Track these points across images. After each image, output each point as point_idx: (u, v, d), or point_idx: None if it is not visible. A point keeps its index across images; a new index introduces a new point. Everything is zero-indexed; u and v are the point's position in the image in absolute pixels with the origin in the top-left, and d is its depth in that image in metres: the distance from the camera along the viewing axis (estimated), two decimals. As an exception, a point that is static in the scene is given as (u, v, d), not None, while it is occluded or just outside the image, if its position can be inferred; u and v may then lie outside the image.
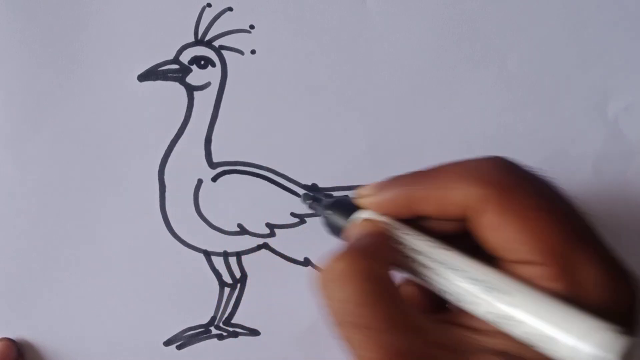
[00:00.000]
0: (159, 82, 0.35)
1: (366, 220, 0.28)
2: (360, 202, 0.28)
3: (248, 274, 0.37)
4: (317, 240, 0.36)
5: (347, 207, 0.29)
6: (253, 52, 0.35)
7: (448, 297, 0.25)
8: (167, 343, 0.37)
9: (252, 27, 0.35)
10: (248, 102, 0.35)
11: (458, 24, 0.35)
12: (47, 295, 0.36)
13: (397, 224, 0.27)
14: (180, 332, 0.37)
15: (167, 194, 0.36)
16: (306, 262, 0.36)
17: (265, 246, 0.36)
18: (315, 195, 0.33)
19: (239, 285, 0.37)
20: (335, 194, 0.36)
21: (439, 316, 0.26)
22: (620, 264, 0.24)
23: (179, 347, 0.37)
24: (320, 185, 0.36)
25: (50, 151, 0.35)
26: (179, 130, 0.36)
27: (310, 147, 0.36)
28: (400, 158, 0.36)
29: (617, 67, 0.35)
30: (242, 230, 0.36)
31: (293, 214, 0.36)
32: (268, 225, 0.36)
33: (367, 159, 0.36)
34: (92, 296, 0.36)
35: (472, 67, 0.35)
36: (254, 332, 0.37)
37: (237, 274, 0.37)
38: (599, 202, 0.36)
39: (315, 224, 0.36)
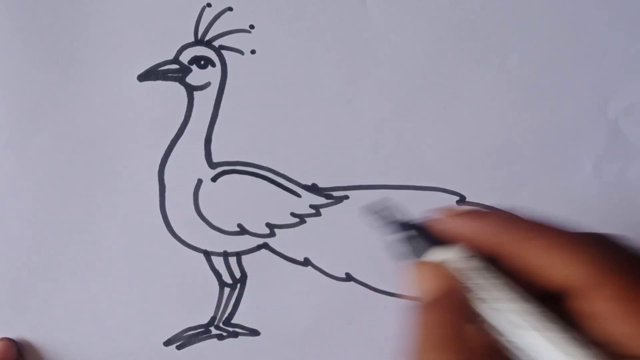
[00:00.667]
0: (159, 82, 0.35)
1: (443, 270, 0.23)
2: (450, 226, 0.24)
3: (248, 274, 0.37)
4: (317, 240, 0.36)
5: (432, 238, 0.25)
6: (253, 52, 0.35)
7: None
8: (167, 343, 0.37)
9: (252, 27, 0.35)
10: (248, 102, 0.35)
11: (458, 24, 0.35)
12: (47, 295, 0.36)
13: (483, 268, 0.23)
14: (180, 332, 0.37)
15: (167, 194, 0.36)
16: (306, 262, 0.36)
17: (265, 246, 0.36)
18: (388, 207, 0.27)
19: (239, 285, 0.37)
20: (335, 194, 0.36)
21: None
22: None
23: (179, 347, 0.37)
24: (320, 185, 0.36)
25: (50, 151, 0.35)
26: (179, 130, 0.36)
27: (310, 147, 0.36)
28: (401, 158, 0.36)
29: (617, 67, 0.35)
30: (242, 230, 0.36)
31: (293, 214, 0.36)
32: (268, 225, 0.36)
33: (368, 158, 0.36)
34: (92, 296, 0.36)
35: (472, 67, 0.35)
36: (254, 332, 0.37)
37: (237, 274, 0.37)
38: (599, 202, 0.36)
39: (316, 224, 0.36)
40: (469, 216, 0.24)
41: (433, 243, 0.24)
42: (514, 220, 0.23)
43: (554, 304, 0.23)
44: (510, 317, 0.22)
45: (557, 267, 0.22)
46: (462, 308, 0.23)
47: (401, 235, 0.25)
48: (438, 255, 0.24)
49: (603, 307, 0.21)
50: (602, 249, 0.22)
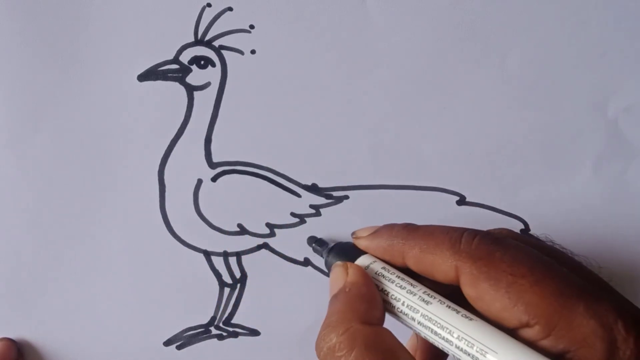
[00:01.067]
0: (159, 82, 0.35)
1: (349, 265, 0.29)
2: (357, 242, 0.30)
3: (248, 274, 0.37)
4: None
5: (348, 251, 0.30)
6: (253, 52, 0.35)
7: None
8: (167, 343, 0.37)
9: (252, 27, 0.35)
10: (248, 102, 0.35)
11: (458, 24, 0.35)
12: (47, 295, 0.36)
13: (390, 269, 0.28)
14: (180, 332, 0.37)
15: (167, 194, 0.36)
16: (306, 262, 0.36)
17: (265, 246, 0.36)
18: (319, 239, 0.35)
19: (239, 285, 0.37)
20: (335, 194, 0.36)
21: None
22: (623, 313, 0.23)
23: (179, 347, 0.37)
24: (320, 185, 0.36)
25: (50, 151, 0.35)
26: (179, 130, 0.36)
27: (310, 147, 0.36)
28: (400, 158, 0.36)
29: (617, 67, 0.35)
30: (242, 230, 0.36)
31: (293, 214, 0.36)
32: (268, 225, 0.36)
33: (367, 159, 0.36)
34: (92, 296, 0.36)
35: (472, 67, 0.35)
36: (254, 332, 0.37)
37: (237, 274, 0.37)
38: (599, 202, 0.36)
39: (316, 224, 0.36)
40: (373, 235, 0.29)
41: (347, 256, 0.30)
42: (408, 231, 0.28)
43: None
44: (403, 299, 0.26)
45: (437, 266, 0.26)
46: (354, 299, 0.26)
47: (327, 254, 0.32)
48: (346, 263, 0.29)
49: (467, 292, 0.25)
50: (462, 243, 0.26)
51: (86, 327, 0.36)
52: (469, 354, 0.24)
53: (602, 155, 0.36)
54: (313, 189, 0.36)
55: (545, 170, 0.36)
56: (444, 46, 0.35)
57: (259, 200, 0.36)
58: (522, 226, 0.36)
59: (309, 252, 0.36)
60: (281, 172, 0.36)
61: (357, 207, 0.36)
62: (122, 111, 0.35)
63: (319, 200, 0.36)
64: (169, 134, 0.36)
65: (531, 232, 0.36)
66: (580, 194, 0.36)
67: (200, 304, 0.37)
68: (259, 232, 0.36)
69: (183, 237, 0.36)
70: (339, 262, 0.29)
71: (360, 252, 0.29)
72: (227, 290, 0.37)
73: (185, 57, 0.35)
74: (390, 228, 0.29)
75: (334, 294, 0.27)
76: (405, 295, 0.26)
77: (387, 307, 0.27)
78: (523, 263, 0.24)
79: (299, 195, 0.36)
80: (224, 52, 0.35)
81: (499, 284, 0.24)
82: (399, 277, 0.27)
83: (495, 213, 0.36)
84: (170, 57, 0.35)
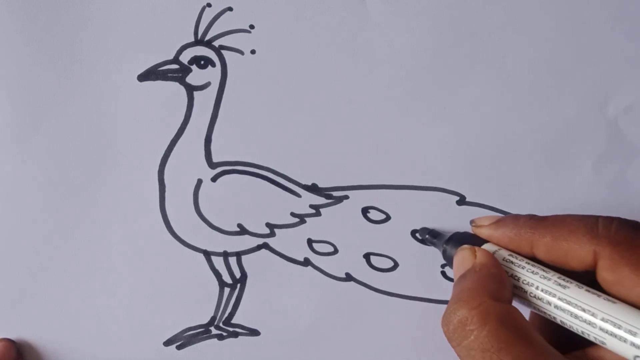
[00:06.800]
0: (159, 82, 0.35)
1: (477, 249, 0.29)
2: (479, 231, 0.30)
3: (248, 274, 0.37)
4: (317, 240, 0.36)
5: (468, 240, 0.30)
6: (253, 52, 0.35)
7: (575, 330, 0.25)
8: (167, 343, 0.37)
9: (252, 27, 0.35)
10: (248, 102, 0.35)
11: (458, 24, 0.35)
12: (47, 295, 0.36)
13: (517, 256, 0.28)
14: (180, 332, 0.37)
15: (167, 194, 0.36)
16: (306, 262, 0.36)
17: (265, 246, 0.36)
18: (433, 230, 0.35)
19: (239, 285, 0.37)
20: (335, 194, 0.36)
21: (571, 354, 0.27)
22: None
23: (179, 347, 0.37)
24: (320, 185, 0.36)
25: (50, 151, 0.35)
26: (179, 130, 0.36)
27: (310, 147, 0.36)
28: (401, 158, 0.36)
29: (617, 67, 0.35)
30: (242, 230, 0.36)
31: (293, 214, 0.36)
32: (268, 225, 0.36)
33: (367, 159, 0.36)
34: (92, 296, 0.36)
35: (472, 67, 0.35)
36: (254, 332, 0.37)
37: (237, 274, 0.37)
38: (599, 202, 0.36)
39: (316, 224, 0.36)
40: (497, 224, 0.29)
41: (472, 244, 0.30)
42: (536, 221, 0.28)
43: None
44: (537, 284, 0.26)
45: (572, 252, 0.26)
46: (484, 278, 0.26)
47: (445, 243, 0.31)
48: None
49: (605, 277, 0.25)
50: (600, 228, 0.26)
51: (86, 327, 0.36)
52: (615, 335, 0.24)
53: (602, 155, 0.36)
54: (313, 189, 0.36)
55: (546, 170, 0.36)
56: (444, 46, 0.35)
57: (259, 200, 0.36)
58: (522, 226, 0.36)
59: (308, 252, 0.36)
60: (281, 172, 0.36)
61: (357, 207, 0.36)
62: (122, 111, 0.35)
63: (319, 200, 0.36)
64: (169, 134, 0.36)
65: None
66: (580, 194, 0.36)
67: (200, 304, 0.37)
68: (259, 232, 0.36)
69: (183, 237, 0.36)
70: (465, 246, 0.29)
71: (481, 242, 0.30)
72: (227, 290, 0.37)
73: (185, 57, 0.35)
74: (516, 218, 0.29)
75: (460, 274, 0.27)
76: (539, 280, 0.26)
77: (518, 292, 0.27)
78: None
79: (299, 195, 0.36)
80: (224, 52, 0.35)
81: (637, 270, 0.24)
82: (528, 263, 0.27)
83: (495, 213, 0.36)
84: (170, 57, 0.35)
